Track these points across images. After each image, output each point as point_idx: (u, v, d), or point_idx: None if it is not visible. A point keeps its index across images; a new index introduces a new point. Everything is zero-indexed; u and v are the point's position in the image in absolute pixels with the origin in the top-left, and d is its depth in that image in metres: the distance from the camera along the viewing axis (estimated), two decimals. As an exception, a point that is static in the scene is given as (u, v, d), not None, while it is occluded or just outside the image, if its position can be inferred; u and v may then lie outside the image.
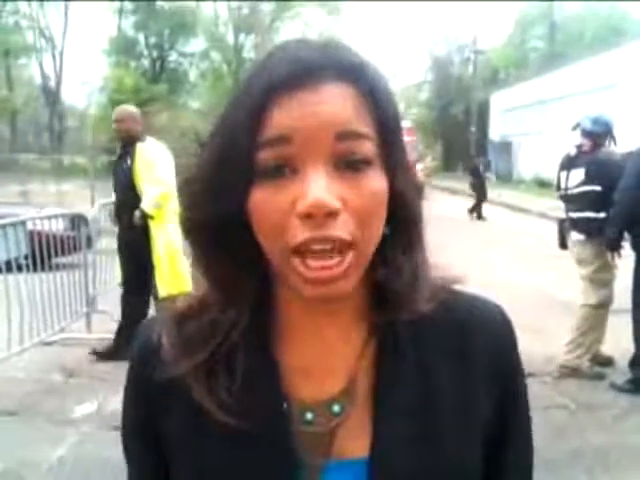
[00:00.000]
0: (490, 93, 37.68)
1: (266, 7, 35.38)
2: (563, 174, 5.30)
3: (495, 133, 37.07)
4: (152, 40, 37.33)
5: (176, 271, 5.28)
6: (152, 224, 5.34)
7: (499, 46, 45.68)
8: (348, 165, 0.67)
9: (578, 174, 5.11)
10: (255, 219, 0.69)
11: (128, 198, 5.37)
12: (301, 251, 0.66)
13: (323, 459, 0.75)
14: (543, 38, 45.10)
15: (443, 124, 44.16)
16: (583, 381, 4.98)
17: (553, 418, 4.35)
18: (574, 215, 5.20)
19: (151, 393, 0.79)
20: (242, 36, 35.52)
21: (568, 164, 5.26)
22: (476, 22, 28.72)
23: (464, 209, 20.72)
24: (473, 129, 28.96)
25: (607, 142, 5.16)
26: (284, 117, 0.66)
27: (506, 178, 30.48)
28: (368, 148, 0.68)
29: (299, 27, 37.61)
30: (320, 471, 0.74)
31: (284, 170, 0.67)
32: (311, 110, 0.66)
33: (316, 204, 0.64)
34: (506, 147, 33.38)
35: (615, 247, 4.84)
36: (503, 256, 11.22)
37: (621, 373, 4.94)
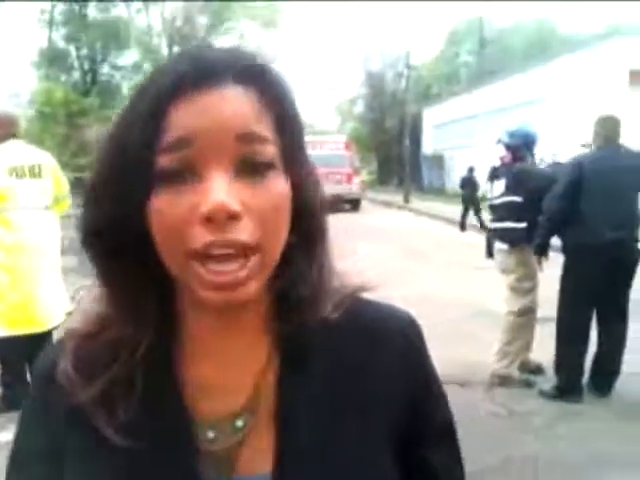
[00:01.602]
0: (423, 107, 38.45)
1: (201, 19, 35.24)
2: (488, 185, 5.47)
3: (428, 147, 37.81)
4: (83, 52, 36.61)
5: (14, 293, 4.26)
6: None
7: (431, 61, 46.69)
8: (250, 168, 0.66)
9: (500, 185, 5.28)
10: (154, 225, 0.67)
11: None
12: (202, 256, 0.64)
13: (226, 478, 0.73)
14: (473, 53, 46.33)
15: (377, 138, 44.73)
16: (514, 389, 5.08)
17: (485, 426, 4.41)
18: (497, 225, 5.37)
19: (51, 421, 0.75)
20: (176, 48, 35.21)
21: (492, 175, 5.43)
22: (409, 37, 29.26)
23: (396, 221, 21.05)
24: (407, 143, 29.37)
25: (527, 155, 5.33)
26: (183, 119, 0.65)
27: (439, 191, 31.06)
28: (270, 151, 0.67)
29: (234, 40, 37.59)
30: None
31: (184, 174, 0.65)
32: (211, 112, 0.65)
33: (217, 207, 0.62)
34: (438, 160, 34.03)
35: (542, 252, 5.00)
36: (433, 267, 11.40)
37: (551, 380, 5.05)
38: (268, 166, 0.67)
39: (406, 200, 27.86)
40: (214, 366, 0.75)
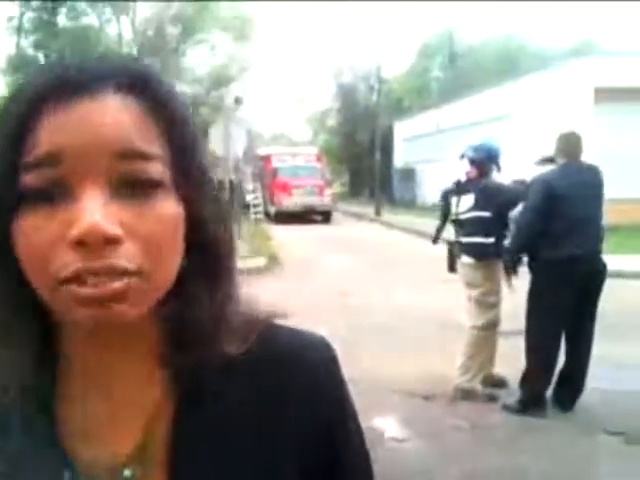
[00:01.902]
0: (394, 121, 38.71)
1: (172, 30, 35.10)
2: (454, 200, 5.47)
3: (399, 160, 38.03)
4: (52, 60, 36.11)
5: None
6: None
7: (402, 74, 47.05)
8: (132, 187, 0.59)
9: (468, 200, 5.28)
10: (20, 249, 0.59)
11: None
12: (73, 281, 0.57)
13: None
14: (444, 67, 46.83)
15: (349, 151, 44.87)
16: (477, 403, 5.07)
17: (447, 440, 4.40)
18: (464, 239, 5.37)
19: None
20: (147, 58, 35.01)
21: (458, 190, 5.44)
22: (380, 50, 29.41)
23: (367, 233, 21.11)
24: (378, 156, 29.48)
25: (492, 169, 5.36)
26: (53, 134, 0.58)
27: (410, 204, 31.22)
28: (156, 169, 0.60)
29: (205, 51, 37.56)
30: None
31: (54, 194, 0.58)
32: (84, 125, 0.58)
33: (90, 229, 0.56)
34: (409, 174, 34.24)
35: (512, 267, 5.00)
36: (400, 279, 11.42)
37: (514, 394, 5.04)
38: (154, 185, 0.60)
39: (377, 213, 27.94)
40: (100, 406, 0.67)
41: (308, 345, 0.75)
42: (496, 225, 5.14)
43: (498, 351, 5.39)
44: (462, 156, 5.47)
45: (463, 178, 5.44)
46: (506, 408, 4.92)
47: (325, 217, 25.95)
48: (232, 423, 0.68)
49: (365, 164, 36.55)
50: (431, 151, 30.37)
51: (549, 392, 4.96)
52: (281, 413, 0.70)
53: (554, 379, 4.96)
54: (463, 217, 5.37)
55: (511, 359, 5.18)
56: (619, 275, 10.41)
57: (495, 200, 5.15)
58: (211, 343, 0.66)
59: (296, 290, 10.38)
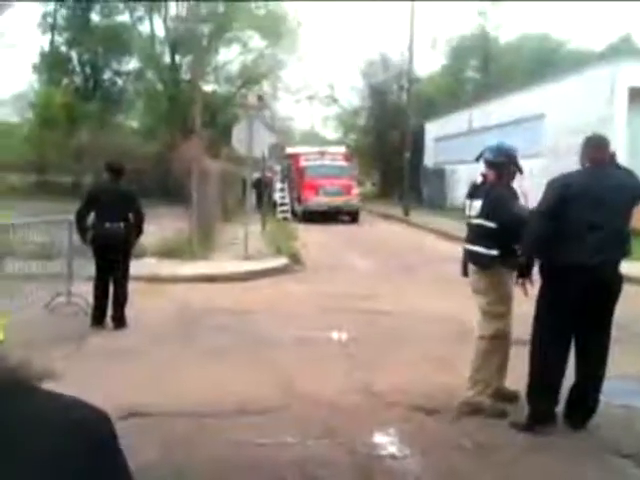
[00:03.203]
0: (425, 121, 38.29)
1: (204, 28, 35.12)
2: (467, 202, 5.20)
3: (429, 160, 37.62)
4: (85, 57, 36.50)
5: None
6: None
7: (435, 75, 46.53)
8: None
9: (478, 205, 5.02)
10: None
11: None
12: None
13: None
14: (478, 69, 46.19)
15: (380, 150, 44.54)
16: (485, 419, 4.82)
17: (448, 460, 4.16)
18: (467, 246, 5.13)
19: None
20: (178, 56, 35.15)
21: (471, 193, 5.17)
22: (412, 50, 28.96)
23: (394, 234, 20.84)
24: (407, 155, 29.14)
25: (511, 171, 5.09)
26: None
27: (439, 205, 30.83)
28: None
29: (237, 50, 37.54)
30: None
31: None
32: None
33: None
34: (439, 174, 33.83)
35: (525, 274, 4.72)
36: (422, 284, 11.16)
37: (525, 410, 4.77)
38: None
39: (406, 213, 27.64)
40: None
41: (79, 413, 0.69)
42: (501, 237, 4.83)
43: (510, 362, 5.11)
44: (479, 157, 5.22)
45: (479, 180, 5.17)
46: (513, 426, 4.66)
47: (352, 217, 25.74)
48: None
49: (395, 164, 36.18)
50: (462, 152, 29.93)
51: (560, 408, 4.68)
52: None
53: (566, 394, 4.69)
54: (472, 222, 5.12)
55: (524, 371, 4.85)
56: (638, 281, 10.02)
57: (500, 211, 4.88)
58: None
59: (312, 293, 10.22)
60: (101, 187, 8.11)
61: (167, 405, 4.99)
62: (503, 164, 5.06)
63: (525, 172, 5.29)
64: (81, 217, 7.63)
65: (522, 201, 5.18)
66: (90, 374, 5.76)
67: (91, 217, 7.68)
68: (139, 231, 7.86)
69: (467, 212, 5.20)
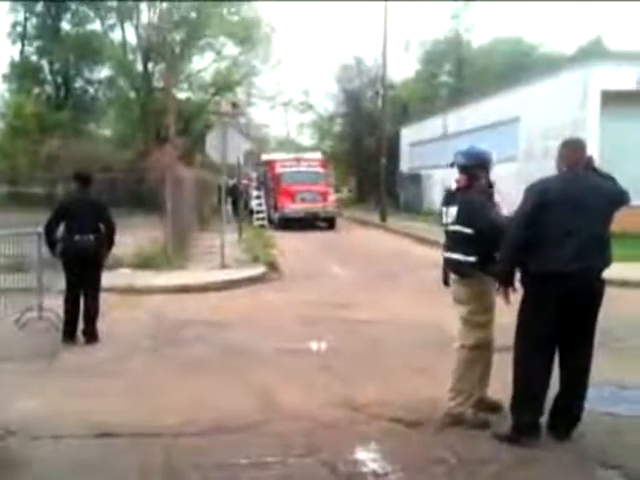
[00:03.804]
0: (400, 126, 38.38)
1: (177, 35, 34.84)
2: (443, 209, 5.08)
3: (405, 166, 37.70)
4: (56, 66, 36.00)
5: None
6: None
7: (409, 81, 46.66)
8: None
9: (454, 212, 4.91)
10: None
11: None
12: None
13: None
14: (451, 73, 46.41)
15: (356, 156, 44.55)
16: (468, 431, 4.70)
17: (430, 476, 4.04)
18: (445, 254, 5.02)
19: None
20: (151, 64, 34.80)
21: (448, 200, 5.05)
22: (386, 56, 28.98)
23: (372, 239, 20.79)
24: (383, 161, 29.14)
25: (482, 176, 4.97)
26: None
27: (416, 210, 30.86)
28: None
29: (210, 57, 37.27)
30: None
31: None
32: None
33: None
34: (415, 179, 33.90)
35: (506, 283, 4.59)
36: (399, 291, 11.07)
37: (508, 420, 4.65)
38: None
39: (382, 219, 27.62)
40: None
41: None
42: (479, 244, 4.70)
43: (494, 369, 4.98)
44: (452, 164, 5.11)
45: (453, 186, 5.05)
46: (497, 437, 4.55)
47: (329, 223, 25.65)
48: None
49: (372, 170, 36.21)
50: (437, 156, 30.05)
51: (545, 419, 4.58)
52: None
53: (549, 404, 4.59)
54: (448, 229, 5.00)
55: (507, 379, 4.73)
56: (624, 284, 10.05)
57: (475, 217, 4.76)
58: None
59: (290, 302, 10.08)
60: (70, 198, 7.88)
61: (142, 423, 4.82)
62: (474, 168, 4.95)
63: (501, 176, 5.17)
64: (50, 229, 7.42)
65: (499, 205, 5.08)
66: (62, 392, 5.58)
67: (60, 229, 7.47)
68: (110, 242, 7.66)
69: (444, 220, 5.08)
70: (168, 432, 4.65)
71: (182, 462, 4.21)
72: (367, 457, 4.29)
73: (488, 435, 4.61)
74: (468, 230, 4.77)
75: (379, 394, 5.50)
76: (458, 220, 4.83)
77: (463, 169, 4.99)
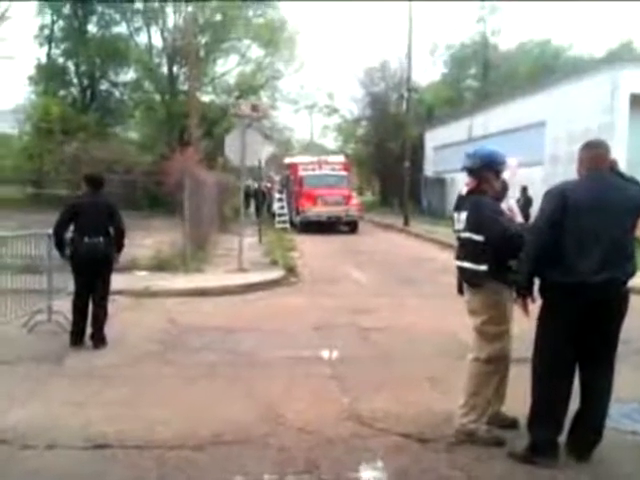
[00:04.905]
0: (425, 130, 38.05)
1: (202, 38, 34.86)
2: (455, 215, 4.81)
3: (429, 169, 37.35)
4: (82, 68, 36.20)
5: None
6: None
7: (434, 84, 46.32)
8: None
9: (463, 217, 4.64)
10: None
11: None
12: None
13: None
14: (478, 77, 45.96)
15: (380, 159, 44.29)
16: (481, 448, 4.43)
17: (439, 497, 3.80)
18: (456, 262, 4.74)
19: None
20: (176, 67, 34.86)
21: (459, 205, 4.78)
22: (411, 59, 28.72)
23: (394, 244, 20.48)
24: (407, 165, 28.83)
25: (493, 178, 4.68)
26: None
27: (439, 214, 30.48)
28: None
29: (235, 60, 37.24)
30: None
31: None
32: None
33: None
34: (439, 183, 33.53)
35: (525, 293, 4.32)
36: (418, 297, 10.77)
37: (525, 438, 4.38)
38: None
39: (405, 223, 27.33)
40: None
41: None
42: (490, 251, 4.43)
43: (511, 382, 4.71)
44: (463, 167, 4.84)
45: (463, 190, 4.78)
46: (512, 456, 4.29)
47: (352, 227, 25.38)
48: None
49: (395, 173, 35.93)
50: (462, 160, 29.77)
51: (563, 437, 4.30)
52: None
53: (568, 421, 4.30)
54: (459, 236, 4.73)
55: (525, 393, 4.46)
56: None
57: (484, 223, 4.47)
58: None
59: (307, 307, 9.87)
60: (80, 200, 7.74)
61: (139, 434, 4.63)
62: (482, 170, 4.67)
63: (526, 180, 4.90)
64: (59, 231, 7.29)
65: (512, 211, 4.82)
66: (62, 399, 5.42)
67: (70, 231, 7.34)
68: (120, 246, 7.52)
69: (455, 226, 4.81)
70: (165, 445, 4.45)
71: (176, 477, 4.00)
72: (371, 476, 4.05)
73: (503, 454, 4.35)
74: (478, 237, 4.49)
75: (390, 407, 5.25)
76: (468, 226, 4.57)
77: (470, 171, 4.73)
